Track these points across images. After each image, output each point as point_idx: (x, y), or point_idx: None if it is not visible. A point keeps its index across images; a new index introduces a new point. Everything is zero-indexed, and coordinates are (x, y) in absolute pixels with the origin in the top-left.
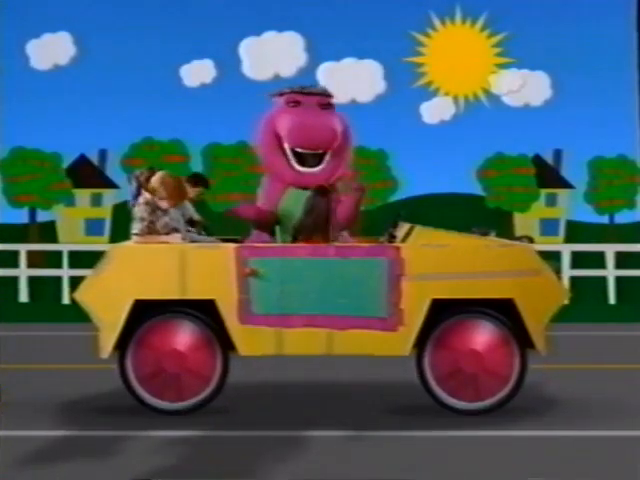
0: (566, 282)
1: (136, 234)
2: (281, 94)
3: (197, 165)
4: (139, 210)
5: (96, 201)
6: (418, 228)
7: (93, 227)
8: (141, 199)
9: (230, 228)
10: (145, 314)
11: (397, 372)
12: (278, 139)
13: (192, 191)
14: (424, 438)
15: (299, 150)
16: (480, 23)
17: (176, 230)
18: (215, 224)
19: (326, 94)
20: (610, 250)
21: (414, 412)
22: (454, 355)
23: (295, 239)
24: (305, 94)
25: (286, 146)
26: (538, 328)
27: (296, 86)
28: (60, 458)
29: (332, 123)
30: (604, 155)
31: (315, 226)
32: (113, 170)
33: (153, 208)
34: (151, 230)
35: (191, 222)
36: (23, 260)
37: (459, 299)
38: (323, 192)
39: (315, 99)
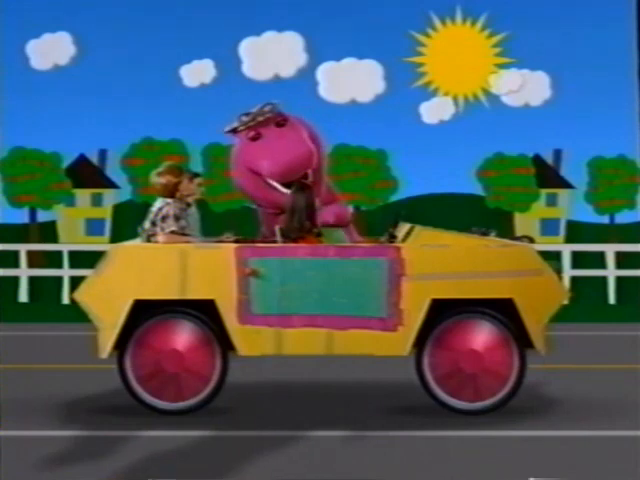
0: (566, 282)
1: (173, 232)
2: (234, 130)
3: (197, 165)
4: (171, 208)
5: (96, 201)
6: (418, 228)
7: (93, 227)
8: (166, 199)
9: (230, 229)
10: (145, 314)
11: (397, 372)
12: (257, 174)
13: (192, 185)
14: (424, 438)
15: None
16: (480, 23)
17: (186, 235)
18: (215, 224)
19: (275, 111)
20: (610, 250)
21: (414, 412)
22: (454, 355)
23: (287, 239)
24: (259, 124)
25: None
26: (538, 328)
27: (243, 116)
28: (60, 458)
29: (302, 142)
30: (604, 155)
31: (300, 226)
32: (113, 170)
33: (181, 207)
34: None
35: None
36: (23, 260)
37: (459, 299)
38: (301, 189)
39: (270, 122)
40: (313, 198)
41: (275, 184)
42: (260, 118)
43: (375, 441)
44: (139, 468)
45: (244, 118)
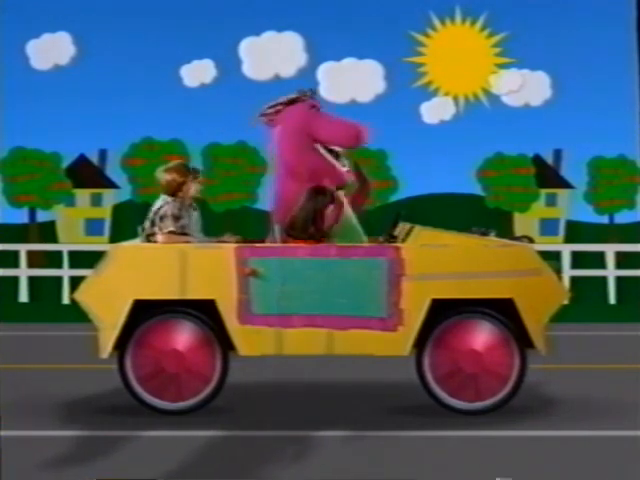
0: (566, 282)
1: (171, 232)
2: (293, 101)
3: (197, 165)
4: (169, 208)
5: (96, 201)
6: (418, 228)
7: (93, 227)
8: (166, 198)
9: (230, 229)
10: (145, 314)
11: (397, 372)
12: (312, 142)
13: (195, 185)
14: (424, 438)
15: (337, 149)
16: (480, 23)
17: (186, 234)
18: (215, 224)
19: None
20: (610, 250)
21: (414, 412)
22: (454, 355)
23: (288, 235)
24: (312, 97)
25: (320, 148)
26: (538, 328)
27: (302, 91)
28: (60, 458)
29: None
30: (604, 155)
31: (303, 228)
32: (113, 170)
33: (180, 207)
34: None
35: None
36: (23, 260)
37: (459, 299)
38: (317, 192)
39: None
40: (325, 206)
41: (325, 154)
42: (312, 94)
43: (375, 441)
44: (139, 468)
45: (304, 89)
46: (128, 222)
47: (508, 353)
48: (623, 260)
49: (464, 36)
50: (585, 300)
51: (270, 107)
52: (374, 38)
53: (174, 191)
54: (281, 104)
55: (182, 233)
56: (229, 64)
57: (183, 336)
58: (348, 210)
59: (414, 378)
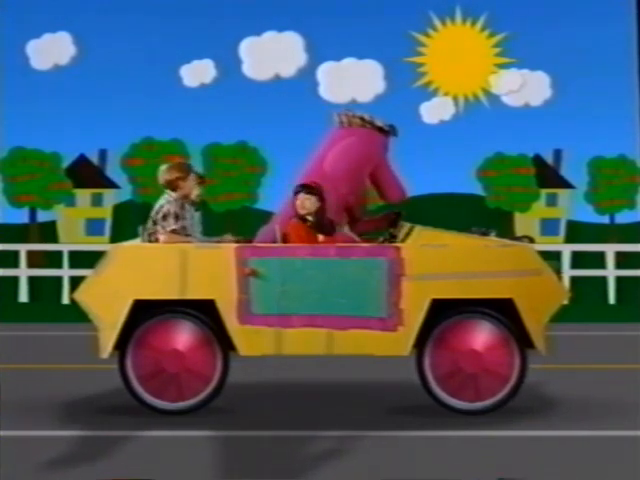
0: (566, 282)
1: (173, 230)
2: (379, 129)
3: (197, 165)
4: (172, 207)
5: (96, 201)
6: (418, 228)
7: (93, 227)
8: (167, 197)
9: (230, 229)
10: (145, 314)
11: (397, 372)
12: (366, 176)
13: (197, 188)
14: (424, 438)
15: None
16: (480, 23)
17: (188, 235)
18: (215, 224)
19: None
20: (610, 250)
21: (414, 412)
22: (454, 355)
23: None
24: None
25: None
26: (538, 328)
27: (391, 127)
28: (60, 458)
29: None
30: (604, 155)
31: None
32: (113, 170)
33: (181, 206)
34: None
35: None
36: (23, 260)
37: (459, 299)
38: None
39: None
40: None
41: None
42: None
43: (375, 441)
44: (139, 468)
45: (393, 127)
46: (128, 222)
47: (508, 353)
48: (623, 260)
49: (464, 36)
50: (585, 300)
51: (358, 117)
52: (374, 38)
53: (174, 187)
54: (368, 122)
55: (183, 234)
56: (229, 64)
57: (183, 336)
58: None
59: (414, 378)
